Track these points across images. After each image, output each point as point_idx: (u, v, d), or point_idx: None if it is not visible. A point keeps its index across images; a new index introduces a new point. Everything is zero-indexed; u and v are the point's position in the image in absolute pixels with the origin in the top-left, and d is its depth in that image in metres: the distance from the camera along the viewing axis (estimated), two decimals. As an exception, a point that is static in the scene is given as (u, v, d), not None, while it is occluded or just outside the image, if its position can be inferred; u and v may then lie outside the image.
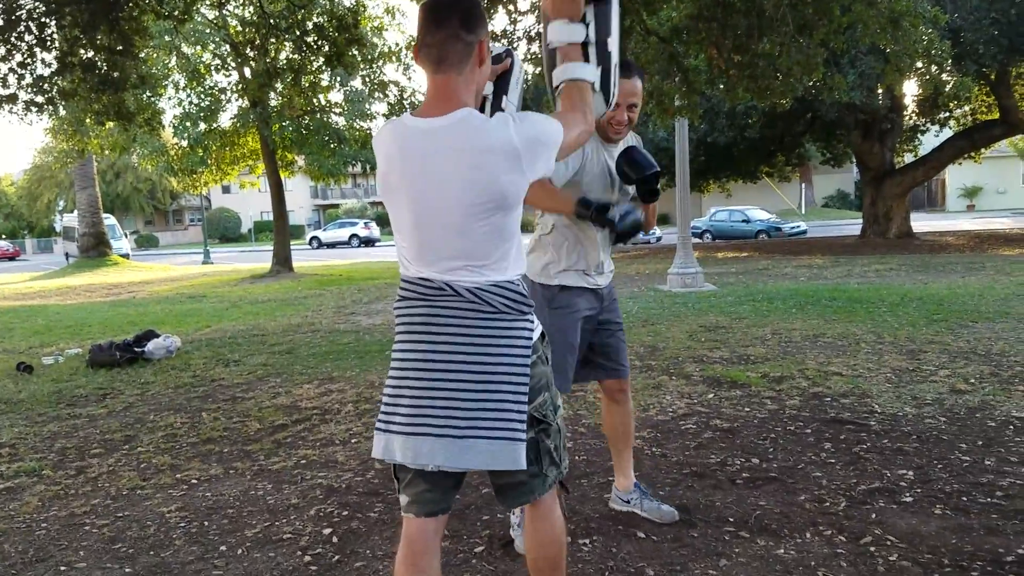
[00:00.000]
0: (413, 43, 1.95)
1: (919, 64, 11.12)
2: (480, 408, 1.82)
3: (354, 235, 42.50)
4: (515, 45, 8.94)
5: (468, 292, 1.85)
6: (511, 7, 8.63)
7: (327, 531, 3.20)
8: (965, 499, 3.17)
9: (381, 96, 21.17)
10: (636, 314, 8.94)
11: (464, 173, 1.79)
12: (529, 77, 20.47)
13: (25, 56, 7.76)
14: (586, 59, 2.07)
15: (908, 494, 3.25)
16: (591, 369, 3.07)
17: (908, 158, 24.49)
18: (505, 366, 1.85)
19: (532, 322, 1.94)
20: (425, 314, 1.87)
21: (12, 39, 7.56)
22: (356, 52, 12.47)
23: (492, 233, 1.85)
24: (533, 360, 1.91)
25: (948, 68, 14.64)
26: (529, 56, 9.27)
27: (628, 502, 3.18)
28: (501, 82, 2.11)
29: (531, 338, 1.91)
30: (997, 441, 3.87)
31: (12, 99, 7.93)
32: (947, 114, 21.98)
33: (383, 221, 45.73)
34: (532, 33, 8.99)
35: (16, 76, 7.85)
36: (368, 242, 42.01)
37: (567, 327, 2.84)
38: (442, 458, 1.83)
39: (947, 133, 23.27)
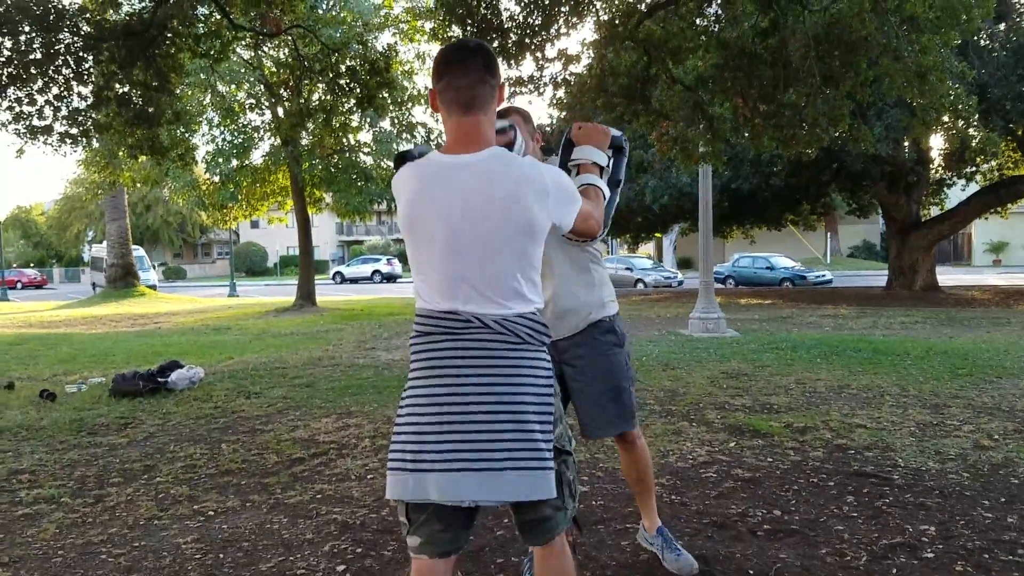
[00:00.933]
0: (429, 90, 2.02)
1: (945, 118, 11.07)
2: (514, 439, 1.82)
3: (376, 271, 43.03)
4: (542, 90, 9.09)
5: (496, 324, 1.86)
6: (539, 55, 8.79)
7: (341, 568, 3.19)
8: (987, 556, 3.11)
9: (409, 137, 21.53)
10: (656, 357, 8.90)
11: (498, 203, 1.84)
12: (553, 121, 20.71)
13: (62, 89, 7.95)
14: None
15: (930, 550, 3.19)
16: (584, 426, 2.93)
17: (934, 211, 24.38)
18: (533, 395, 1.86)
19: (549, 353, 1.96)
20: (452, 347, 1.87)
21: (50, 72, 7.76)
22: (387, 95, 12.70)
23: (519, 263, 1.88)
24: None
25: (975, 123, 14.59)
26: (554, 100, 9.42)
27: (652, 544, 3.16)
28: None
29: (552, 368, 1.93)
30: (1020, 498, 3.80)
31: (48, 131, 8.11)
32: (973, 168, 21.88)
33: (405, 258, 45.98)
34: (559, 79, 9.14)
35: (52, 108, 8.03)
36: (390, 278, 42.46)
37: None
38: (480, 492, 1.81)
39: (973, 187, 23.15)
